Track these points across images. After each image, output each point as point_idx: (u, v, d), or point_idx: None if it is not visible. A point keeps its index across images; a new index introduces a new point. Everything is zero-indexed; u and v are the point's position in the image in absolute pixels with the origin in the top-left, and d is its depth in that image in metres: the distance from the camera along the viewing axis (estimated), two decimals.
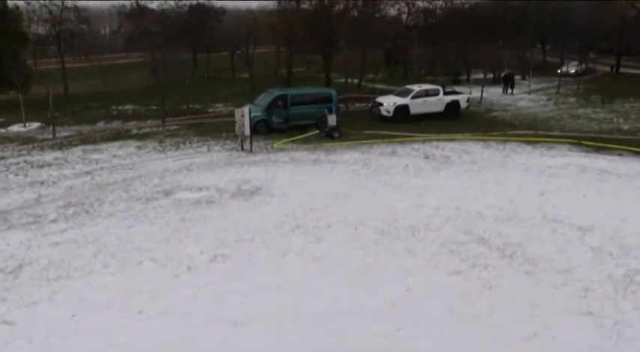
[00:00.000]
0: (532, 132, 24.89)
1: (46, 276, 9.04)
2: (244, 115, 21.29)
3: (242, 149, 21.63)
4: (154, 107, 34.31)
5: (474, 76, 44.56)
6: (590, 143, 21.65)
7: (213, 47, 56.53)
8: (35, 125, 29.14)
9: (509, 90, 39.71)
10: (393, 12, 53.50)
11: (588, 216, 11.87)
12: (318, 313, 7.47)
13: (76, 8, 47.03)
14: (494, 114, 31.36)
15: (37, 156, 21.67)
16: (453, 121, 28.33)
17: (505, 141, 21.99)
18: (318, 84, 40.65)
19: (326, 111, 25.01)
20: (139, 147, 22.96)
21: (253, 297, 7.91)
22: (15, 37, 39.43)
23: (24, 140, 25.26)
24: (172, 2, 53.64)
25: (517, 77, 43.62)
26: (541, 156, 19.17)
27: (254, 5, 54.94)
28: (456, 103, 29.59)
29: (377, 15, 48.29)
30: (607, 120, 28.60)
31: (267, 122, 25.70)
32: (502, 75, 42.98)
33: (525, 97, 37.63)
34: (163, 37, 46.41)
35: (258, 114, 25.18)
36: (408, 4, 53.26)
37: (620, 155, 19.80)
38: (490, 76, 44.76)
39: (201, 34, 52.78)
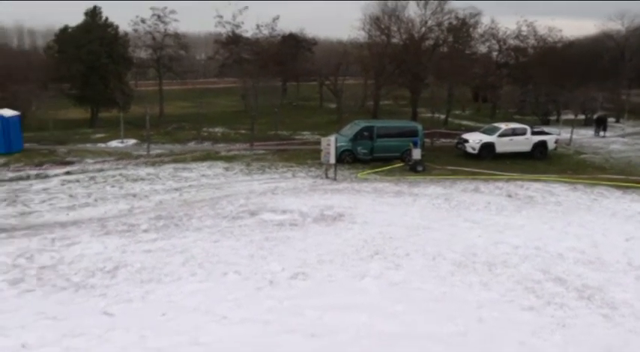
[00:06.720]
0: (623, 176, 24.14)
1: (140, 279, 9.74)
2: (330, 144, 21.82)
3: (326, 177, 22.20)
4: (242, 131, 35.63)
5: (564, 117, 43.56)
6: None
7: (302, 76, 58.06)
8: (132, 142, 30.82)
9: (602, 133, 38.56)
10: (483, 49, 53.17)
11: None
12: (392, 334, 7.77)
13: (176, 35, 49.88)
14: (583, 156, 30.60)
15: (132, 171, 23.08)
16: (539, 162, 27.96)
17: (593, 185, 21.46)
18: (404, 117, 41.04)
19: (411, 144, 25.34)
20: (226, 169, 23.95)
21: (331, 314, 8.29)
22: (122, 60, 42.43)
23: (121, 155, 26.94)
24: (266, 32, 55.73)
25: (610, 119, 42.30)
26: (631, 202, 18.55)
27: (345, 37, 55.87)
28: (543, 144, 29.21)
29: (467, 52, 48.27)
30: None
31: (353, 152, 26.26)
32: (595, 117, 41.83)
33: (619, 141, 36.42)
34: (255, 65, 48.19)
35: (344, 144, 25.79)
36: (498, 42, 52.88)
37: None
38: (581, 117, 43.59)
39: (292, 64, 54.44)
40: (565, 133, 35.88)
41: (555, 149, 29.81)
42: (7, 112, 26.96)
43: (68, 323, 7.84)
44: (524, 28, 51.85)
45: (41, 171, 22.70)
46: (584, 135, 38.11)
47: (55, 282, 9.50)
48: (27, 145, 27.85)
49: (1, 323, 7.75)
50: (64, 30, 41.02)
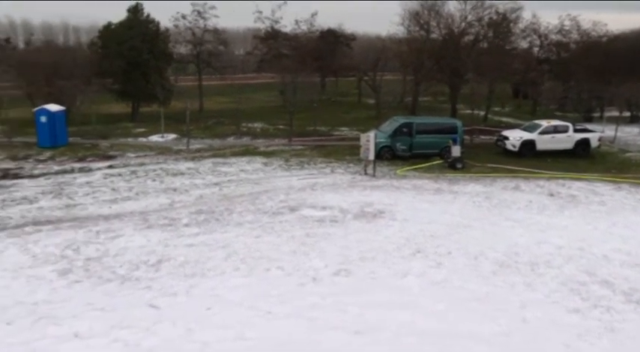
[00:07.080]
0: None
1: (183, 272, 9.92)
2: (370, 140, 21.76)
3: (365, 173, 22.16)
4: (281, 126, 35.68)
5: (607, 114, 42.46)
6: None
7: (341, 72, 57.91)
8: (172, 136, 31.12)
9: None
10: (523, 45, 52.07)
11: None
12: (434, 332, 7.76)
13: (216, 30, 50.33)
14: (628, 155, 29.80)
15: (172, 165, 23.40)
16: (581, 160, 27.36)
17: (639, 185, 20.95)
18: (443, 114, 40.57)
19: (450, 141, 25.12)
20: (265, 164, 24.09)
21: (373, 311, 8.32)
22: (162, 56, 42.98)
23: (161, 150, 27.34)
24: (305, 27, 55.82)
25: None
26: None
27: (384, 33, 55.57)
28: (586, 141, 28.57)
29: (507, 47, 47.47)
30: None
31: (392, 149, 26.13)
32: None
33: None
34: (294, 60, 48.23)
35: (383, 140, 25.69)
36: (540, 37, 51.81)
37: None
38: (626, 114, 42.42)
39: (330, 59, 54.33)
40: (609, 131, 34.98)
41: (598, 147, 29.12)
42: (54, 107, 27.67)
43: (116, 314, 8.04)
44: (566, 23, 50.69)
45: (85, 165, 23.24)
46: (630, 133, 37.05)
47: (101, 274, 9.75)
48: (71, 139, 28.54)
49: (53, 313, 8.00)
50: (107, 26, 41.73)
